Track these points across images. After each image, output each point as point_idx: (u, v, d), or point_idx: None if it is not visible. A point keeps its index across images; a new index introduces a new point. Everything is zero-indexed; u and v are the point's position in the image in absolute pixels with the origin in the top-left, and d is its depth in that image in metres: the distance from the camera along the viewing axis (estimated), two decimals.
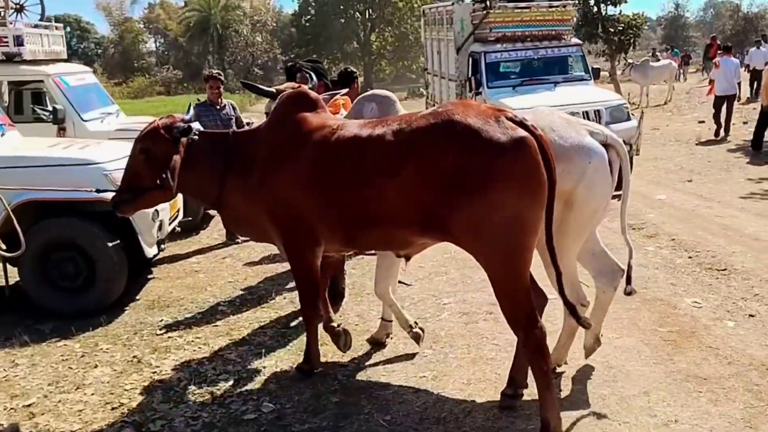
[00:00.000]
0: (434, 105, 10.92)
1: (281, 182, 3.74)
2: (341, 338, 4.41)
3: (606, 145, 3.71)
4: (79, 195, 5.07)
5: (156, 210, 5.56)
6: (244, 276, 6.44)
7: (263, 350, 4.67)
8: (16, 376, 4.41)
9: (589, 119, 8.04)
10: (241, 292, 5.95)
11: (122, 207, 4.11)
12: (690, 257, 6.16)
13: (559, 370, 4.05)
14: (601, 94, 10.14)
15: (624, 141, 3.93)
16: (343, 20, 42.45)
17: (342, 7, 42.24)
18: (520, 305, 3.22)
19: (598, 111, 9.06)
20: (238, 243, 7.51)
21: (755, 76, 17.66)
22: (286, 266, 6.58)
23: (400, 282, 5.70)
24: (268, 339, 4.89)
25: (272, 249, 7.17)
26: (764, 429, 3.38)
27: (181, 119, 3.97)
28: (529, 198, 3.13)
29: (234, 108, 7.48)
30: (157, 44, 47.78)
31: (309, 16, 43.27)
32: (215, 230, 8.24)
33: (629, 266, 3.87)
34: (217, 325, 5.20)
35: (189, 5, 41.42)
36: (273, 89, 4.45)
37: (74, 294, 5.38)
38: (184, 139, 3.87)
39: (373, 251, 4.40)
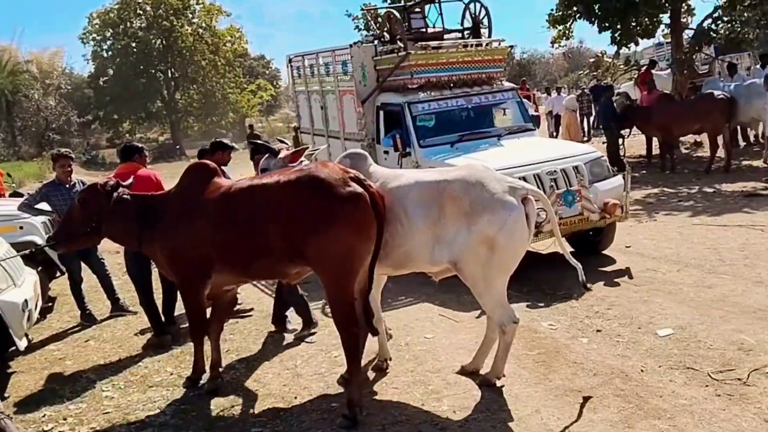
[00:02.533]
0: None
1: (183, 232, 4.81)
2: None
3: (526, 199, 4.56)
4: None
5: (26, 300, 5.28)
6: (116, 356, 6.20)
7: (170, 431, 4.63)
8: None
9: (568, 179, 7.20)
10: (123, 374, 5.75)
11: (59, 245, 5.30)
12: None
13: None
14: (568, 147, 8.38)
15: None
16: (144, 80, 41.19)
17: (142, 67, 41.02)
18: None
19: (577, 167, 7.30)
20: (96, 323, 7.18)
21: (558, 121, 19.40)
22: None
23: (300, 339, 5.99)
24: (170, 418, 4.84)
25: (136, 324, 7.03)
26: (639, 426, 4.11)
27: (115, 182, 5.14)
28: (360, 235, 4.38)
29: (84, 185, 7.20)
30: None
31: (107, 78, 41.45)
32: (64, 312, 7.77)
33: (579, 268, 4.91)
34: (108, 412, 5.02)
35: None
36: (275, 147, 6.09)
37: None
38: (114, 194, 5.01)
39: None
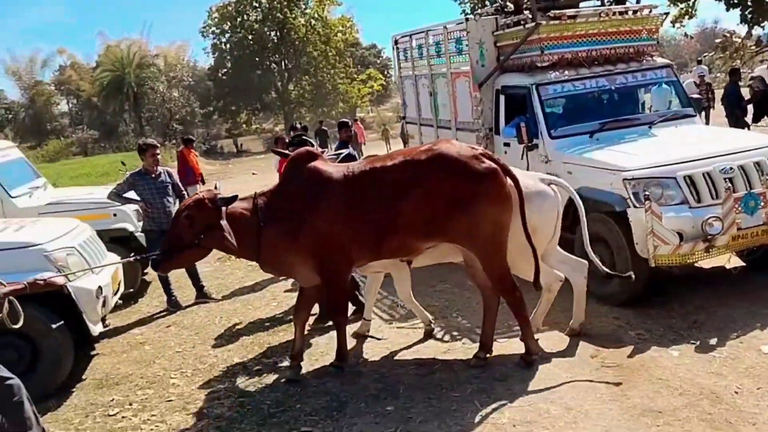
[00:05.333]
0: None
1: (320, 222, 4.78)
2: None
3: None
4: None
5: (100, 286, 5.42)
6: (191, 344, 6.30)
7: (223, 423, 4.59)
8: None
9: (749, 178, 5.73)
10: (191, 362, 5.82)
11: (163, 265, 5.07)
12: None
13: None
14: (745, 138, 6.95)
15: None
16: (259, 71, 42.62)
17: (257, 59, 42.46)
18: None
19: (759, 163, 5.81)
20: (181, 309, 7.37)
21: None
22: (231, 329, 6.54)
23: (371, 336, 5.79)
24: (226, 410, 4.79)
25: (217, 312, 7.14)
26: None
27: (232, 196, 4.89)
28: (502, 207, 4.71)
29: (170, 175, 7.40)
30: (70, 105, 46.43)
31: (225, 70, 43.26)
32: (154, 297, 8.04)
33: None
34: (171, 400, 5.07)
35: (101, 65, 40.52)
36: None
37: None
38: (224, 211, 4.76)
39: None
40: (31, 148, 34.46)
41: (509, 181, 4.78)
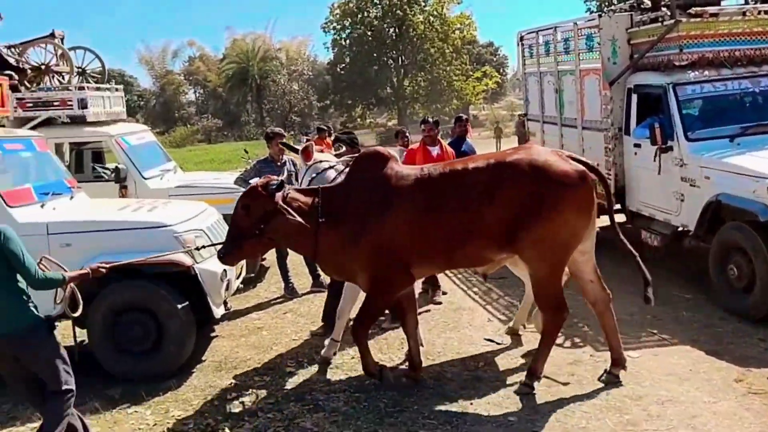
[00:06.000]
0: None
1: (385, 227, 4.48)
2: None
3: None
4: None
5: (224, 270, 5.50)
6: (308, 333, 6.30)
7: (339, 418, 4.50)
8: None
9: None
10: (307, 351, 5.81)
11: (227, 257, 4.75)
12: None
13: None
14: None
15: None
16: (376, 67, 43.07)
17: (375, 54, 42.94)
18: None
19: None
20: (297, 296, 7.43)
21: None
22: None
23: (489, 340, 5.57)
24: (342, 404, 4.71)
25: None
26: None
27: (279, 181, 4.60)
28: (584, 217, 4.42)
29: (294, 164, 7.47)
30: (197, 95, 49.00)
31: (344, 64, 44.07)
32: (272, 283, 8.15)
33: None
34: (287, 389, 5.06)
35: (228, 58, 42.55)
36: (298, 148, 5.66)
37: (142, 357, 5.30)
38: (280, 195, 4.47)
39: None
40: (159, 134, 36.48)
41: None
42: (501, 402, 4.52)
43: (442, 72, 42.46)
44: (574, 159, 4.56)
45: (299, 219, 4.47)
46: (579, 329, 5.74)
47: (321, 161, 5.50)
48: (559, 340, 5.44)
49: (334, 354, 5.42)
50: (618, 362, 4.68)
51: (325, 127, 13.92)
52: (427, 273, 4.96)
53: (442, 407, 4.52)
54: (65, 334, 5.45)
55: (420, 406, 4.57)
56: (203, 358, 5.77)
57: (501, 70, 49.64)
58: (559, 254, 4.41)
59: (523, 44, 9.93)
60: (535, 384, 4.56)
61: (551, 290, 4.47)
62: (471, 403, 4.54)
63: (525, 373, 4.71)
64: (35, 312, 3.82)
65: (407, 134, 8.62)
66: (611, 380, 4.63)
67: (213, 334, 6.37)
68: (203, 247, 5.13)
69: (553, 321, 4.52)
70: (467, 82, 43.65)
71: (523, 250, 4.43)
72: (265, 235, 4.58)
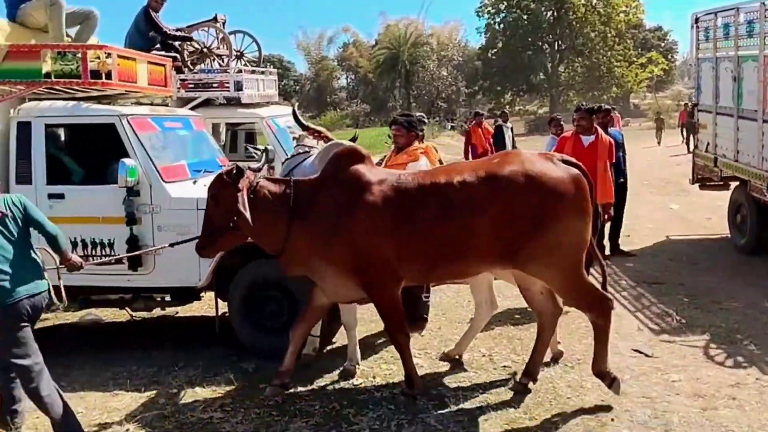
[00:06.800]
0: (713, 161, 8.61)
1: (362, 230, 4.21)
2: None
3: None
4: None
5: None
6: (438, 324, 6.14)
7: (465, 418, 4.29)
8: (220, 419, 4.41)
9: None
10: (437, 344, 5.65)
11: (203, 251, 4.54)
12: None
13: None
14: None
15: None
16: (530, 52, 41.89)
17: (530, 39, 41.74)
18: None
19: None
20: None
21: None
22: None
23: (637, 351, 5.15)
24: (469, 404, 4.49)
25: (465, 293, 6.89)
26: None
27: (239, 167, 4.27)
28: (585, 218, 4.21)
29: (435, 150, 7.28)
30: (348, 80, 50.35)
31: (496, 50, 43.25)
32: None
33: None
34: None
35: (380, 43, 43.24)
36: (306, 124, 5.38)
37: (276, 334, 5.39)
38: (244, 182, 4.19)
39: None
40: (311, 118, 37.91)
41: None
42: (647, 421, 4.10)
43: (601, 57, 40.57)
44: (565, 162, 4.30)
45: (246, 212, 4.12)
46: (743, 347, 5.12)
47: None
48: (719, 358, 4.93)
49: (356, 365, 5.10)
50: (531, 374, 4.59)
51: (482, 112, 13.64)
52: (407, 282, 4.47)
53: (578, 419, 4.18)
54: (210, 305, 5.75)
55: (553, 415, 4.26)
56: (334, 340, 5.79)
57: (669, 57, 46.23)
58: (569, 259, 4.19)
59: (698, 27, 9.20)
60: (610, 379, 4.32)
61: (580, 290, 4.27)
62: (612, 419, 4.16)
63: (689, 393, 4.37)
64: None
65: (561, 122, 8.37)
66: (518, 389, 4.55)
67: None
68: (178, 243, 4.83)
69: (600, 315, 4.28)
70: (629, 68, 41.30)
71: (527, 264, 4.21)
72: (239, 225, 4.23)
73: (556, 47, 42.60)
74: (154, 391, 4.83)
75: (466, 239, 4.16)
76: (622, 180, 8.06)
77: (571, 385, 4.68)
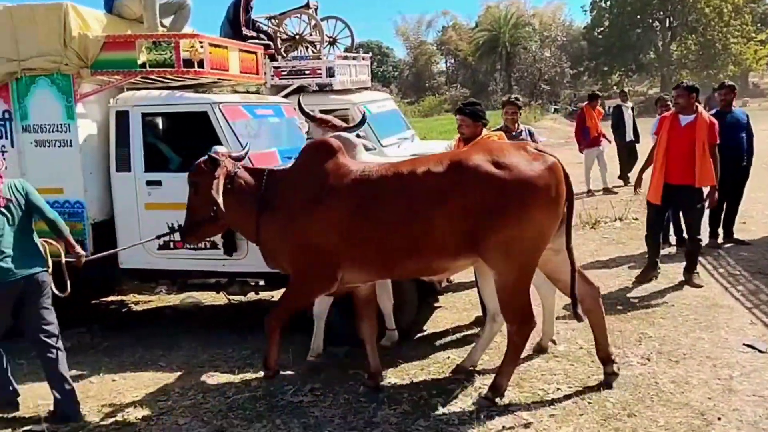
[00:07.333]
0: None
1: (305, 217, 4.17)
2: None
3: None
4: None
5: None
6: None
7: (559, 412, 4.09)
8: (310, 402, 4.43)
9: None
10: (533, 333, 5.42)
11: (187, 237, 4.68)
12: None
13: None
14: None
15: None
16: (639, 30, 39.82)
17: (639, 16, 39.71)
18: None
19: None
20: None
21: None
22: None
23: (749, 346, 4.75)
24: (563, 398, 4.28)
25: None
26: None
27: (214, 157, 4.33)
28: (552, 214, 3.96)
29: (531, 134, 7.01)
30: (447, 64, 49.79)
31: (602, 28, 41.46)
32: None
33: None
34: None
35: (479, 26, 42.49)
36: (312, 114, 5.13)
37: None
38: (221, 170, 4.25)
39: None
40: (409, 104, 37.84)
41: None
42: (757, 420, 3.75)
43: (717, 34, 37.96)
44: (539, 150, 4.04)
45: (220, 199, 4.16)
46: None
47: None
48: None
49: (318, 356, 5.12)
50: (608, 360, 4.38)
51: (599, 93, 13.04)
52: (362, 280, 4.36)
53: (682, 417, 3.89)
54: None
55: (654, 412, 3.98)
56: (425, 329, 5.71)
57: None
58: (526, 257, 3.97)
59: None
60: (497, 400, 4.16)
61: (518, 299, 4.01)
62: (719, 418, 3.83)
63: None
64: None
65: (668, 102, 8.00)
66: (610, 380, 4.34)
67: (437, 305, 6.28)
68: (167, 233, 4.91)
69: (519, 332, 4.09)
70: (747, 45, 38.40)
71: (488, 253, 3.97)
72: (217, 215, 4.30)
73: (667, 24, 40.23)
74: (248, 374, 4.92)
75: (422, 233, 3.98)
76: (744, 164, 7.46)
77: (675, 381, 4.37)
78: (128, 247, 5.38)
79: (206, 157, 4.41)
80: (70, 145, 5.56)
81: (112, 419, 4.32)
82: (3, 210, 4.15)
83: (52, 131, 5.58)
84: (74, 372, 5.13)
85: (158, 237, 5.02)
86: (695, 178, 6.09)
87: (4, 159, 4.43)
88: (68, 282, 4.37)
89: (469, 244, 3.96)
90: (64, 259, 4.40)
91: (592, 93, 12.90)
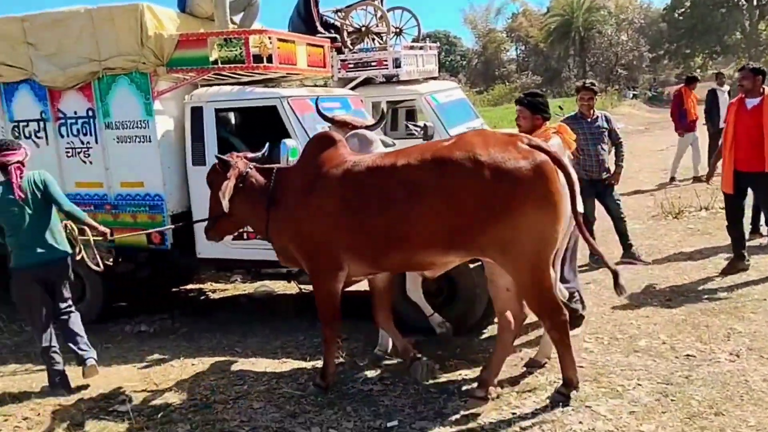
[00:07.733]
0: None
1: (306, 212, 4.22)
2: (419, 369, 4.59)
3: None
4: None
5: None
6: (610, 306, 5.71)
7: (640, 409, 3.92)
8: (380, 391, 4.44)
9: None
10: (609, 328, 5.25)
11: (208, 234, 4.81)
12: None
13: None
14: None
15: None
16: (723, 9, 37.86)
17: None
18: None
19: None
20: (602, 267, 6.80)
21: None
22: (661, 299, 5.72)
23: None
24: (644, 395, 4.09)
25: (644, 275, 6.36)
26: None
27: (231, 158, 4.52)
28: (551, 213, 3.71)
29: (608, 120, 6.77)
30: (518, 52, 48.85)
31: (683, 9, 39.66)
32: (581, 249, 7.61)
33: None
34: (582, 366, 4.56)
35: (551, 11, 41.42)
36: (330, 116, 5.04)
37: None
38: (233, 171, 4.38)
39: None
40: (478, 93, 37.36)
41: (561, 174, 3.73)
42: None
43: None
44: (534, 146, 3.77)
45: (225, 200, 4.27)
46: None
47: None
48: None
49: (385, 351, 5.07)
50: (482, 383, 4.21)
51: (697, 76, 12.44)
52: (362, 272, 4.34)
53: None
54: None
55: (743, 411, 3.76)
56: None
57: None
58: (531, 258, 3.79)
59: None
60: (572, 394, 4.04)
61: (540, 293, 3.89)
62: None
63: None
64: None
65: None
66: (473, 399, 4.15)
67: None
68: (185, 224, 5.34)
69: (554, 326, 3.96)
70: None
71: (484, 252, 3.91)
72: (234, 213, 4.43)
73: (755, 2, 38.08)
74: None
75: (408, 226, 3.91)
76: None
77: (767, 380, 4.10)
78: (138, 234, 5.72)
79: (225, 159, 4.57)
80: (149, 141, 5.77)
81: (192, 402, 4.45)
82: (23, 204, 4.50)
83: (132, 128, 5.81)
84: (156, 356, 5.40)
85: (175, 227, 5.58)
86: (766, 164, 5.75)
87: (26, 147, 4.74)
88: (99, 259, 4.88)
89: (458, 241, 3.86)
90: (92, 239, 4.81)
91: (690, 76, 12.26)
